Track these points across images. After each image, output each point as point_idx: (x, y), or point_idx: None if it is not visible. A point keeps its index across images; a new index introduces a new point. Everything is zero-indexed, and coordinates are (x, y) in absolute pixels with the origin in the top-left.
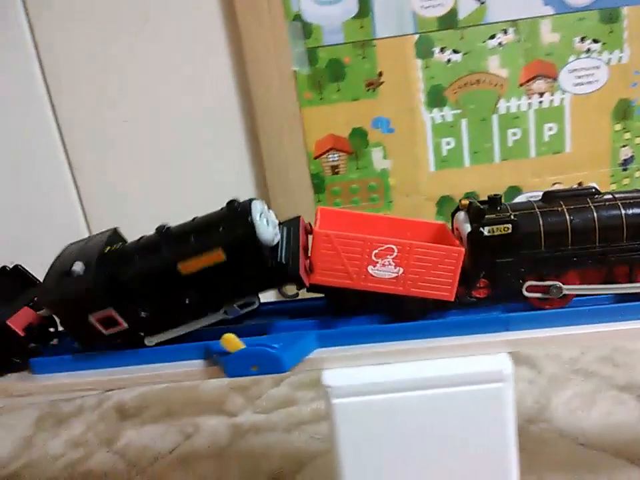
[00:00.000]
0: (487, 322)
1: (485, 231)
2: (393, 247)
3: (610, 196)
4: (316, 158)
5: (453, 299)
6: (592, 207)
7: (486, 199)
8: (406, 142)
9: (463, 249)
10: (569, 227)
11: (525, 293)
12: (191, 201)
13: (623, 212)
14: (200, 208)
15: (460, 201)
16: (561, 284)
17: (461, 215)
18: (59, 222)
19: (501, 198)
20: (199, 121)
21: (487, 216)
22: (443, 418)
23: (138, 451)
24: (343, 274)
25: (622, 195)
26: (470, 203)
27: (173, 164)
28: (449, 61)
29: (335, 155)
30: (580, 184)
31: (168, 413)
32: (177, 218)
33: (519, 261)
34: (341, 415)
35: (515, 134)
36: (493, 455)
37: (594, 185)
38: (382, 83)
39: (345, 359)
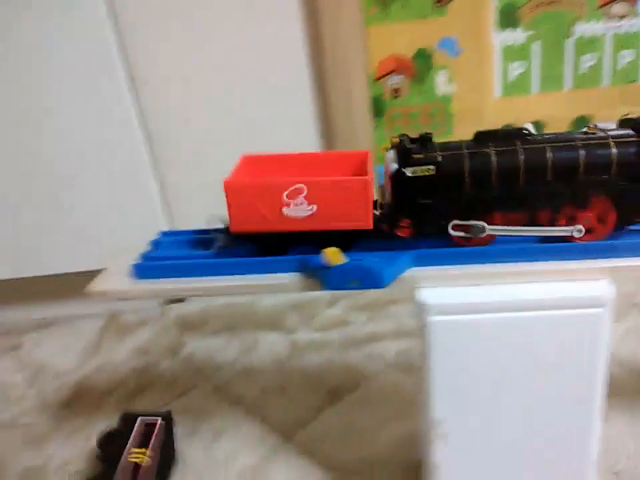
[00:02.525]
0: (589, 248)
1: (408, 171)
2: (302, 186)
3: (539, 138)
4: (377, 80)
5: (372, 227)
6: (519, 149)
7: (419, 136)
8: (472, 65)
9: (369, 178)
10: (494, 169)
11: (451, 232)
12: (253, 123)
13: (549, 155)
14: (261, 128)
15: (391, 138)
16: (484, 224)
17: (390, 153)
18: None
19: (431, 137)
20: (262, 40)
21: (414, 156)
22: (539, 341)
23: (202, 361)
24: (259, 219)
25: (551, 137)
26: (400, 141)
27: (237, 86)
28: None
29: (397, 78)
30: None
31: (228, 327)
32: (240, 139)
33: (443, 202)
34: (435, 333)
35: (588, 60)
36: (583, 379)
37: (528, 125)
38: None
39: (442, 279)
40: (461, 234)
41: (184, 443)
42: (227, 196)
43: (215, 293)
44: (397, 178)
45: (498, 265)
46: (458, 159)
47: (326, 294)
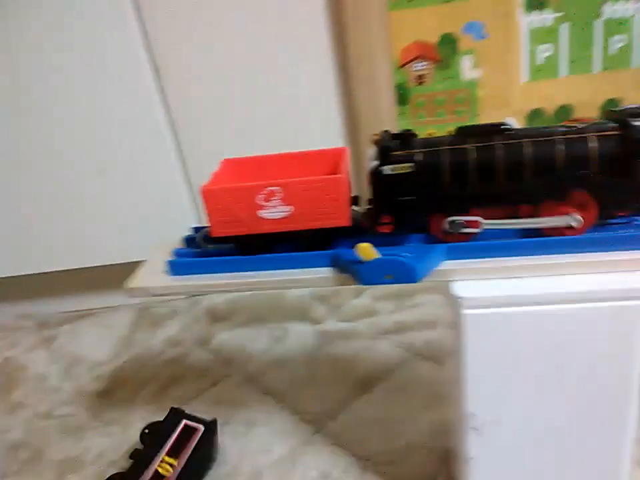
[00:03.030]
0: (629, 239)
1: (386, 170)
2: (276, 188)
3: (519, 133)
4: (401, 67)
5: (349, 224)
6: (498, 145)
7: (401, 132)
8: (499, 49)
9: (341, 177)
10: (473, 166)
11: (431, 228)
12: (276, 112)
13: (527, 150)
14: (284, 118)
15: (372, 136)
16: (463, 220)
17: (371, 151)
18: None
19: (413, 134)
20: (285, 28)
21: (394, 153)
22: (575, 334)
23: (232, 351)
24: (238, 223)
25: (531, 132)
26: (381, 138)
27: (258, 71)
28: None
29: (422, 64)
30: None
31: (256, 318)
32: (261, 128)
33: (422, 198)
34: (470, 326)
35: (618, 42)
36: (620, 373)
37: (510, 119)
38: None
39: (476, 272)
40: (442, 230)
41: (219, 433)
42: (204, 202)
43: (250, 288)
44: (375, 176)
45: (533, 257)
46: (437, 155)
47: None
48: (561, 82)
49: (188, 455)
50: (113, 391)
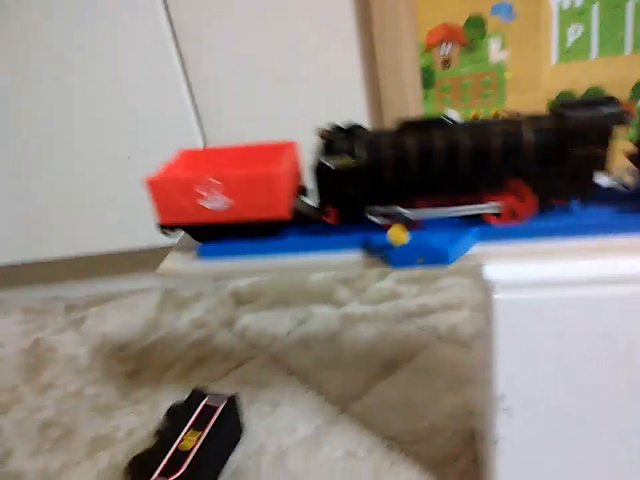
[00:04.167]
0: None
1: (328, 163)
2: (214, 180)
3: (458, 125)
4: (427, 50)
5: (289, 216)
6: (437, 137)
7: (349, 126)
8: (528, 30)
9: (279, 171)
10: (413, 158)
11: (372, 219)
12: (301, 95)
13: (464, 142)
14: (309, 101)
15: (318, 129)
16: (402, 209)
17: (319, 144)
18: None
19: (360, 127)
20: (310, 11)
21: (338, 147)
22: (609, 319)
23: (256, 333)
24: (181, 212)
25: (469, 124)
26: (327, 132)
27: (282, 53)
28: None
29: (448, 47)
30: None
31: (279, 301)
32: (286, 113)
33: (364, 191)
34: (502, 310)
35: None
36: None
37: (451, 113)
38: None
39: (508, 255)
40: (383, 220)
41: (244, 412)
42: (149, 191)
43: (280, 271)
44: (319, 169)
45: (564, 240)
46: (378, 149)
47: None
48: (591, 63)
49: (209, 429)
50: (141, 372)
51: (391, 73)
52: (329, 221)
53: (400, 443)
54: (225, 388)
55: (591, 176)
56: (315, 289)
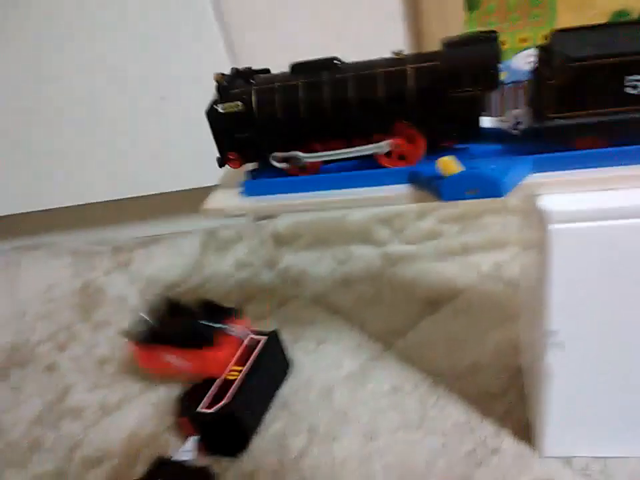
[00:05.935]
0: None
1: (219, 108)
2: None
3: (347, 67)
4: None
5: None
6: (325, 81)
7: (245, 70)
8: None
9: None
10: (302, 102)
11: (275, 163)
12: (340, 21)
13: (352, 85)
14: (349, 24)
15: (214, 74)
16: (300, 153)
17: (215, 88)
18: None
19: (250, 72)
20: None
21: (232, 91)
22: None
23: (298, 273)
24: None
25: (358, 66)
26: (222, 76)
27: None
28: None
29: None
30: None
31: (320, 241)
32: (329, 39)
33: (259, 135)
34: (557, 242)
35: None
36: None
37: (336, 57)
38: None
39: (565, 185)
40: (284, 165)
41: (290, 350)
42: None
43: (326, 207)
44: (210, 114)
45: (625, 167)
46: (269, 93)
47: (414, 207)
48: None
49: (252, 362)
50: None
51: None
52: (232, 166)
53: (445, 379)
54: (270, 326)
55: (471, 117)
56: (354, 229)
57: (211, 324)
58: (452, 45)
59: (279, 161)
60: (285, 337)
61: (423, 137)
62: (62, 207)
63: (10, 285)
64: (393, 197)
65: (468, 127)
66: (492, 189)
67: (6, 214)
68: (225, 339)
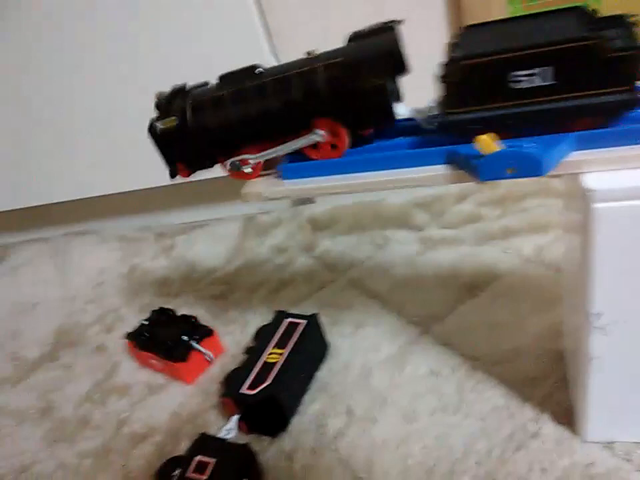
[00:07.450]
0: None
1: (159, 124)
2: None
3: (266, 73)
4: None
5: None
6: (249, 88)
7: (187, 86)
8: None
9: None
10: (232, 111)
11: (224, 171)
12: (378, 14)
13: (271, 90)
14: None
15: (156, 93)
16: (237, 159)
17: (155, 107)
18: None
19: (184, 89)
20: None
21: (170, 108)
22: None
23: (336, 258)
24: None
25: (275, 71)
26: (162, 93)
27: None
28: None
29: None
30: None
31: (357, 226)
32: (366, 16)
33: (196, 146)
34: (601, 221)
35: None
36: None
37: (258, 64)
38: None
39: (609, 162)
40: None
41: (328, 333)
42: None
43: (364, 189)
44: (151, 131)
45: None
46: (200, 105)
47: (453, 190)
48: None
49: (292, 344)
50: (229, 294)
51: None
52: (182, 175)
53: (484, 363)
54: (308, 309)
55: (382, 105)
56: (392, 213)
57: (189, 340)
58: (355, 38)
59: (225, 168)
60: (323, 320)
61: (344, 128)
62: (109, 195)
63: (61, 270)
64: (430, 177)
65: (381, 115)
66: (532, 167)
67: (57, 201)
68: (194, 355)
